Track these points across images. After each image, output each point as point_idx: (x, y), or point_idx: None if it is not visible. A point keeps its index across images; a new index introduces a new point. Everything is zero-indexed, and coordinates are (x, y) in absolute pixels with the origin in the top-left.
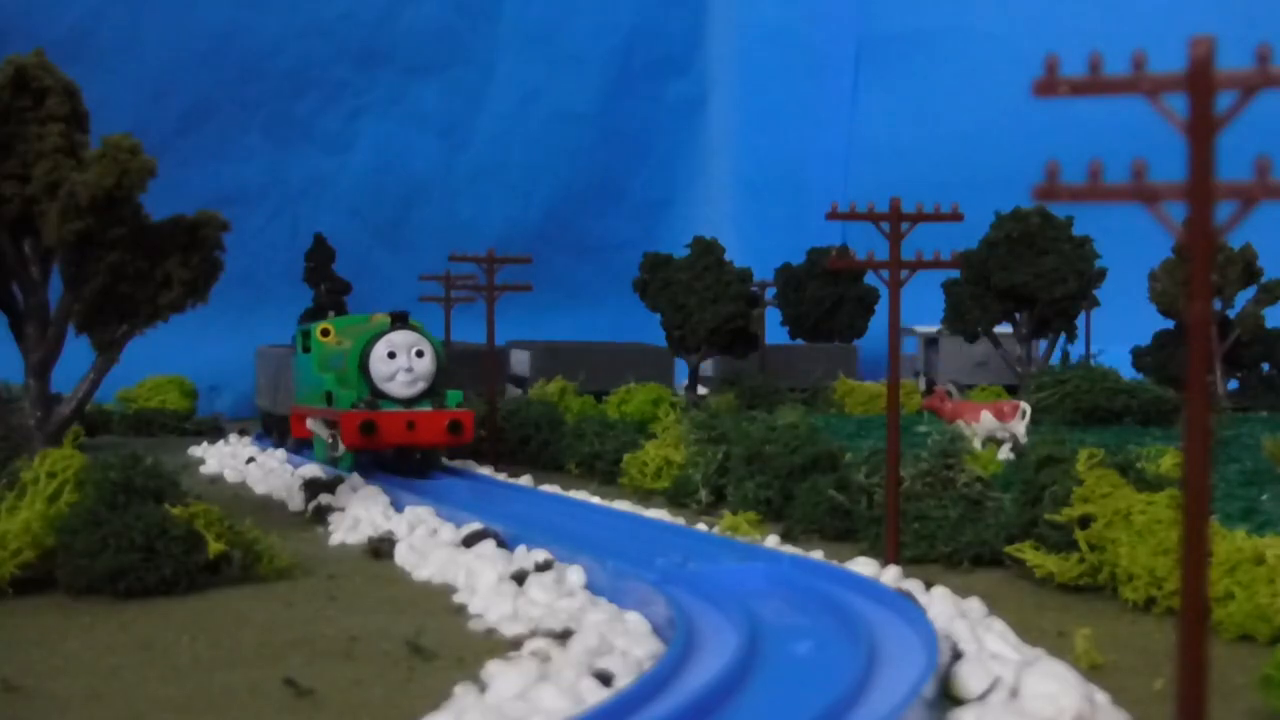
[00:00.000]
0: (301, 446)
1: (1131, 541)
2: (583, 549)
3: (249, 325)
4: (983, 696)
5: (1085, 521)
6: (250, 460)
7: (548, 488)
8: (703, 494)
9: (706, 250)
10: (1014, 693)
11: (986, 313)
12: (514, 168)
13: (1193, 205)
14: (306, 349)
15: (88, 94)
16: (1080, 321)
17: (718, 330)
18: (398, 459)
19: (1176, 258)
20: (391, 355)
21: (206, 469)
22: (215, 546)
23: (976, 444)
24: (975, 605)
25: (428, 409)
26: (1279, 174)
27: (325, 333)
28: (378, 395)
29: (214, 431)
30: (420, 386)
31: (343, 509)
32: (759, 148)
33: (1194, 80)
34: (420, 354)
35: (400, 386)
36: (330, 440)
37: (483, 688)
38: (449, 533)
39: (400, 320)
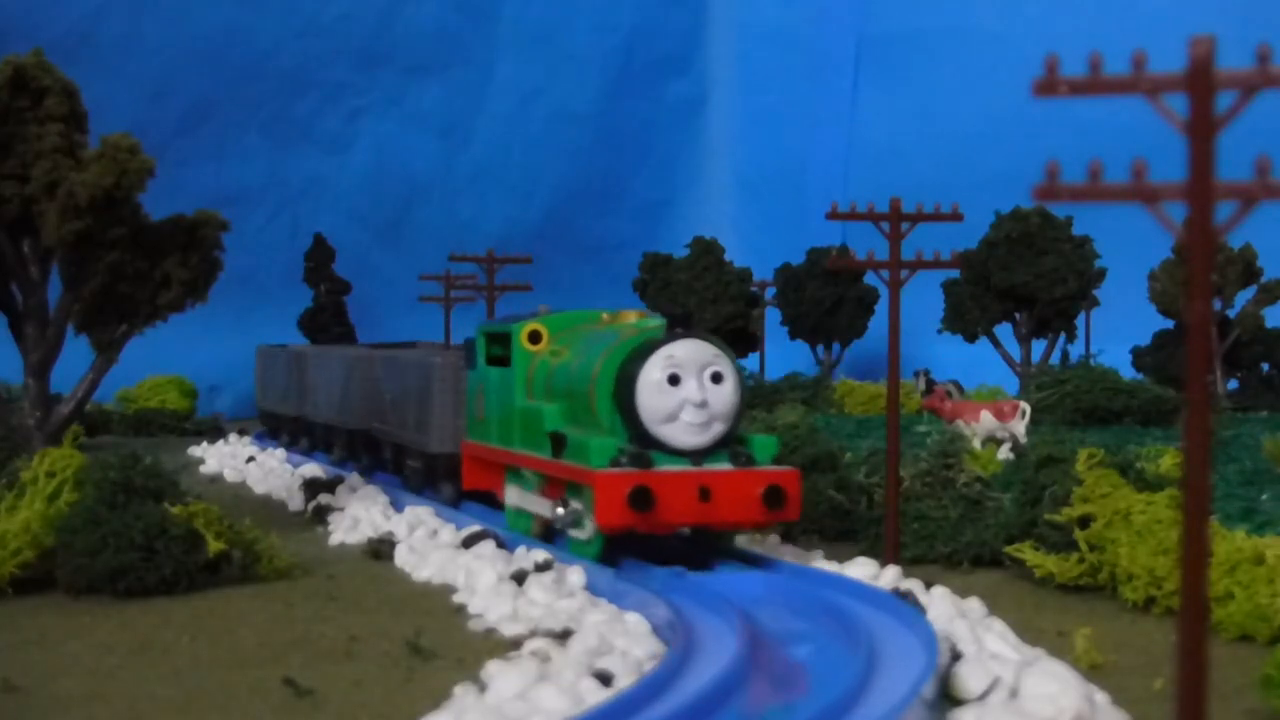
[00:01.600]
0: (458, 495)
1: (1131, 541)
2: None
3: (249, 325)
4: (982, 697)
5: (1085, 521)
6: (250, 460)
7: None
8: None
9: (706, 250)
10: (1014, 693)
11: (986, 313)
12: (514, 168)
13: (1193, 205)
14: (496, 360)
15: (87, 94)
16: (1080, 321)
17: (718, 330)
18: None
19: (1176, 258)
20: (673, 380)
21: (206, 469)
22: (215, 546)
23: (976, 444)
24: (975, 605)
25: (726, 467)
26: (1279, 174)
27: (535, 337)
28: (646, 443)
29: (214, 431)
30: (717, 431)
31: (342, 509)
32: (759, 148)
33: (1194, 80)
34: (718, 378)
35: (685, 431)
36: (560, 512)
37: (482, 688)
38: (449, 534)
39: (682, 324)
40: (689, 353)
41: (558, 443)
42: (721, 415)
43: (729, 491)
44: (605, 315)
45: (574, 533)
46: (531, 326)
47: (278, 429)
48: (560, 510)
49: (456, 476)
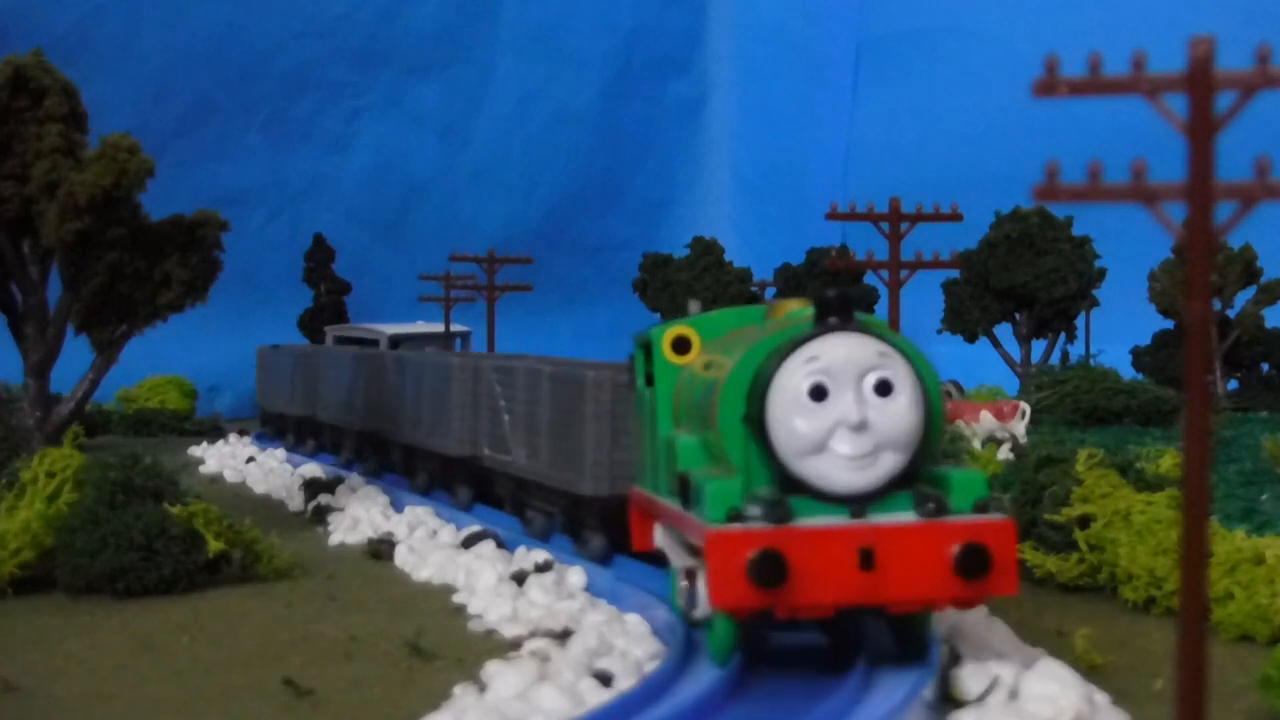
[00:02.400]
0: (609, 550)
1: (1131, 541)
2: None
3: (249, 325)
4: (982, 697)
5: (1085, 521)
6: (250, 460)
7: None
8: None
9: (706, 250)
10: (1014, 693)
11: (986, 313)
12: (514, 168)
13: (1193, 205)
14: (649, 380)
15: (87, 94)
16: (1080, 321)
17: None
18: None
19: (1176, 258)
20: (818, 394)
21: (206, 469)
22: (215, 546)
23: (976, 444)
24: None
25: (904, 517)
26: (1279, 174)
27: (682, 345)
28: (791, 487)
29: (214, 431)
30: (888, 466)
31: (342, 509)
32: (758, 148)
33: (1194, 80)
34: (885, 389)
35: (838, 466)
36: (683, 585)
37: (482, 688)
38: (449, 534)
39: (838, 309)
40: (840, 352)
41: (680, 487)
42: (893, 441)
43: (904, 554)
44: (774, 306)
45: (691, 612)
46: (677, 331)
47: (336, 441)
48: (683, 583)
49: (611, 526)
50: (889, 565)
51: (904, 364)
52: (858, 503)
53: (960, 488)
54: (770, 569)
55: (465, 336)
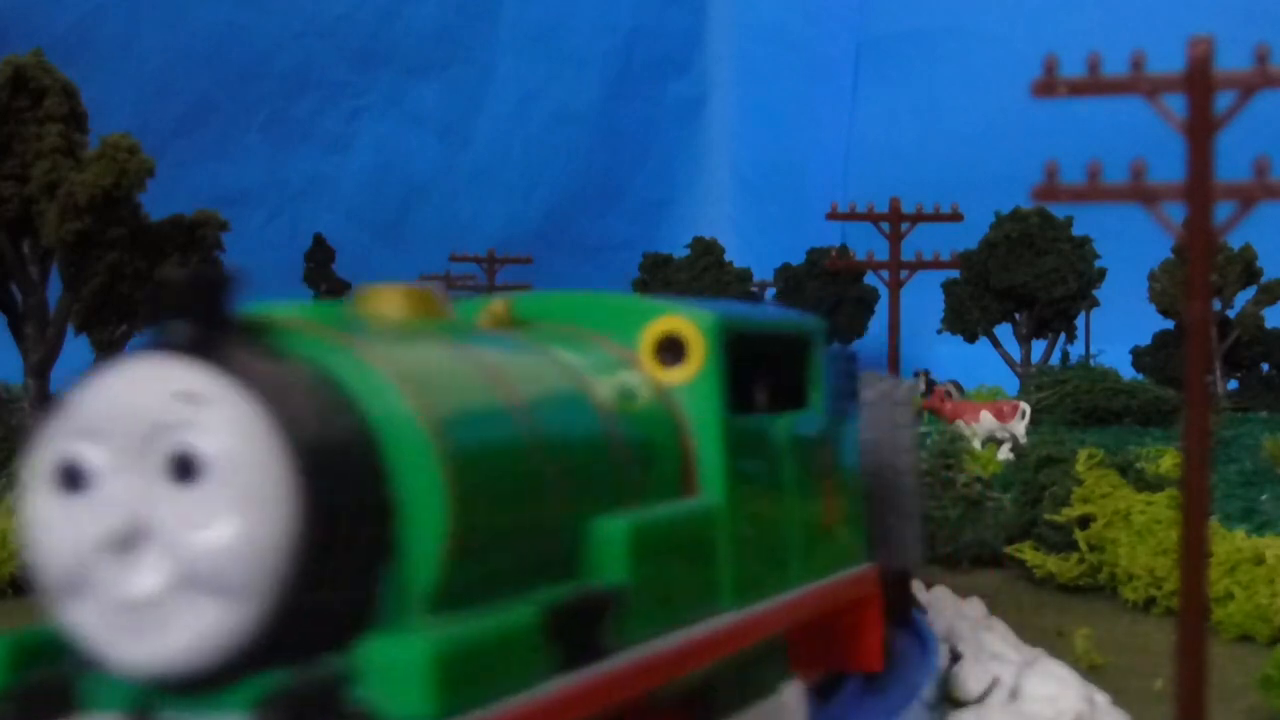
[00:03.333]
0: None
1: (1131, 541)
2: None
3: None
4: (982, 698)
5: (1085, 521)
6: None
7: None
8: None
9: (706, 250)
10: (1014, 693)
11: (986, 313)
12: (514, 168)
13: (1192, 205)
14: None
15: (87, 94)
16: (1080, 321)
17: None
18: None
19: (1176, 258)
20: (71, 478)
21: None
22: None
23: (976, 444)
24: (975, 605)
25: None
26: (1278, 174)
27: None
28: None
29: None
30: (209, 624)
31: None
32: (758, 148)
33: (1193, 80)
34: (187, 468)
35: (107, 620)
36: None
37: None
38: None
39: (182, 306)
40: (105, 397)
41: None
42: (209, 576)
43: None
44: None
45: None
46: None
47: None
48: None
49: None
50: None
51: (248, 414)
52: (149, 697)
53: (377, 675)
54: None
55: None
